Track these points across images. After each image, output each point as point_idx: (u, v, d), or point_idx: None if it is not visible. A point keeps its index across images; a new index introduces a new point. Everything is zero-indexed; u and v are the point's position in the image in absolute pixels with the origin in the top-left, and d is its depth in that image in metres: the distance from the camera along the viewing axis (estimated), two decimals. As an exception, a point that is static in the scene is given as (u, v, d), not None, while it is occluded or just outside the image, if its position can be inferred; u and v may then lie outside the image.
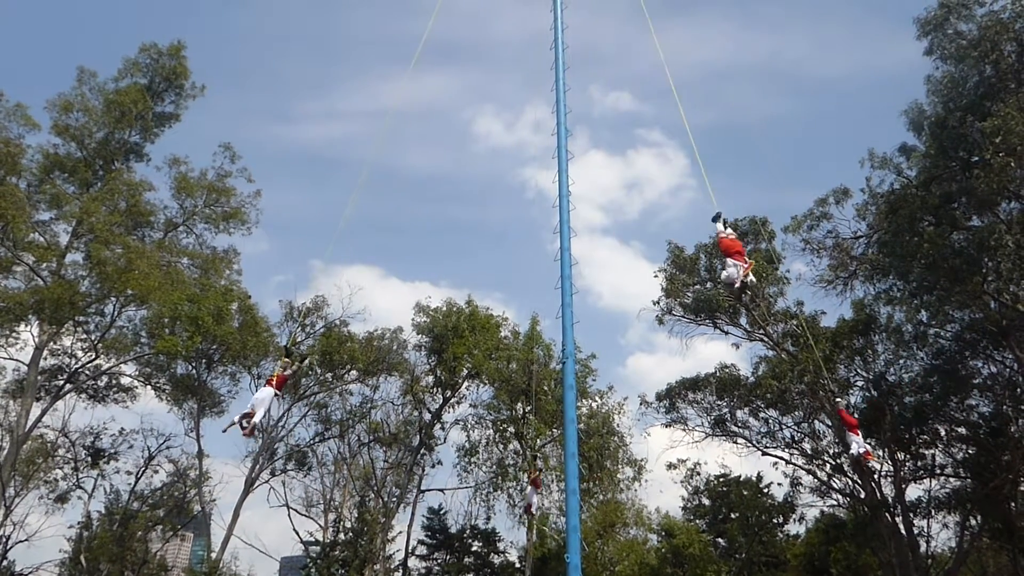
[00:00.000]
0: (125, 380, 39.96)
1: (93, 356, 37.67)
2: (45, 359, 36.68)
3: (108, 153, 38.34)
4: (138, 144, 39.99)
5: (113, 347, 37.62)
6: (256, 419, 13.73)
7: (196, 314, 35.18)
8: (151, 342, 37.16)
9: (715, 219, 15.31)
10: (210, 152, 41.52)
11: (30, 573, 37.43)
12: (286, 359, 15.68)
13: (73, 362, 37.97)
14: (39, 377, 36.30)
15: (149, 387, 39.77)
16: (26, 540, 37.70)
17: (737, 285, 13.77)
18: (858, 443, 16.87)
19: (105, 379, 39.37)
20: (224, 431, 14.34)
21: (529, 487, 25.21)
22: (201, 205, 39.90)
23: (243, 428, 13.60)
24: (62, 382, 37.49)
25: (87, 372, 38.48)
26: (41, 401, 36.80)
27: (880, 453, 35.45)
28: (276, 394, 14.30)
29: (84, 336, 37.70)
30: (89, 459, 39.23)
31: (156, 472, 40.70)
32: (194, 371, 39.23)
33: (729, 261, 14.09)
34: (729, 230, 15.26)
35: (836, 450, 36.62)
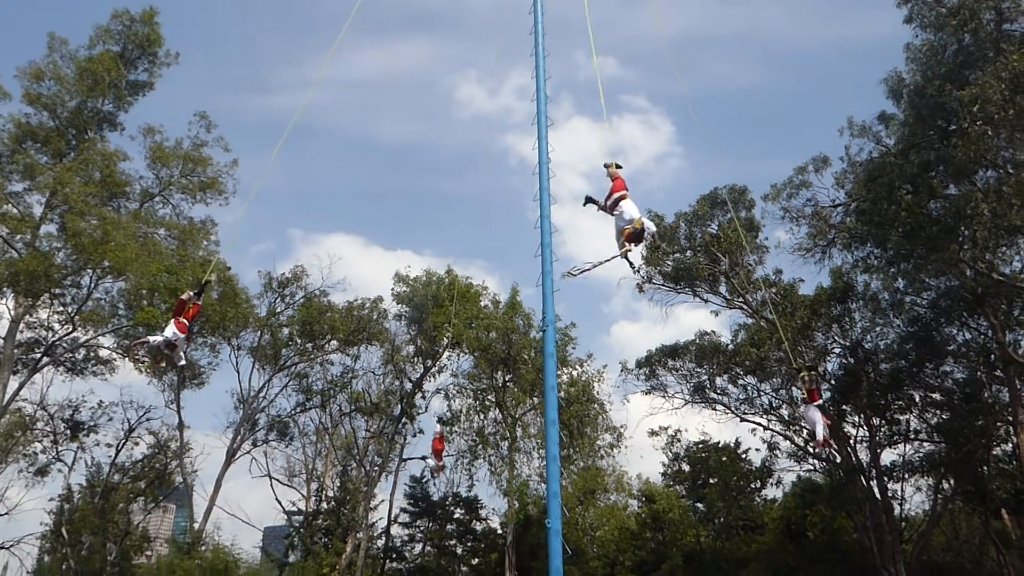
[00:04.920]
0: (103, 352, 39.71)
1: (70, 329, 37.33)
2: (21, 332, 36.30)
3: (81, 122, 37.63)
4: (111, 113, 39.24)
5: (90, 319, 37.32)
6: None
7: (175, 285, 34.92)
8: (129, 314, 36.90)
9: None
10: (184, 122, 40.91)
11: (11, 547, 37.35)
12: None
13: (50, 335, 37.62)
14: (16, 350, 35.95)
15: (127, 359, 39.52)
16: (6, 514, 37.68)
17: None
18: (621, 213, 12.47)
19: (83, 352, 39.07)
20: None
21: (810, 409, 21.78)
22: (177, 175, 39.40)
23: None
24: (39, 355, 37.17)
25: (64, 345, 38.15)
26: (18, 375, 36.47)
27: (856, 419, 36.01)
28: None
29: (61, 309, 37.31)
30: (68, 432, 39.10)
31: (136, 444, 40.76)
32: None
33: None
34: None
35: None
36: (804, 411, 18.92)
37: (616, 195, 11.99)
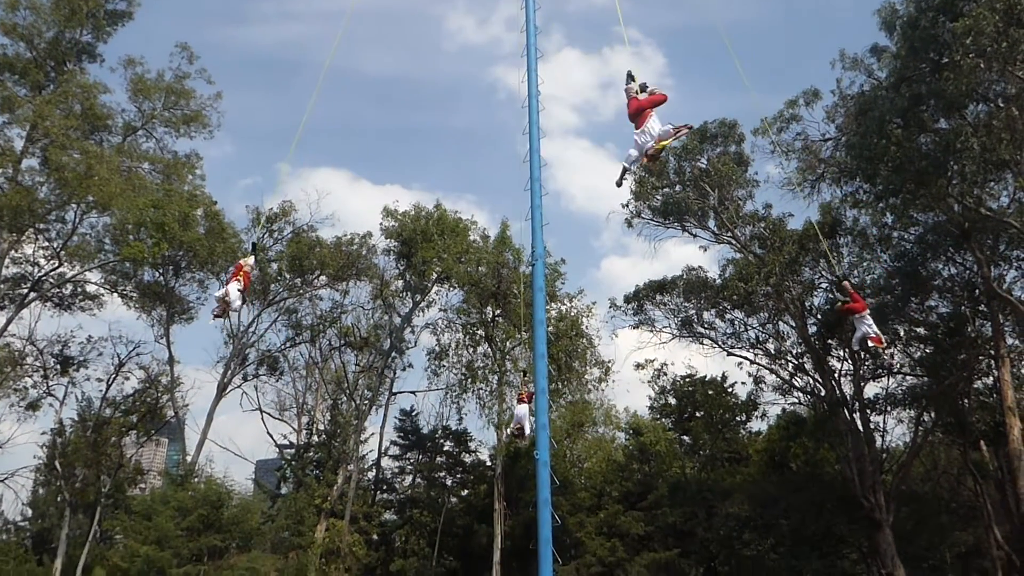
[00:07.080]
0: (91, 288, 39.51)
1: (56, 264, 37.10)
2: (7, 267, 36.04)
3: (59, 54, 36.69)
4: (90, 44, 38.20)
5: (76, 254, 37.07)
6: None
7: (161, 220, 34.68)
8: (116, 249, 36.69)
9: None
10: (165, 54, 39.99)
11: (5, 479, 37.78)
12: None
13: (36, 270, 37.36)
14: (2, 286, 35.78)
15: (116, 294, 39.43)
16: (-1, 447, 37.93)
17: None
18: (869, 325, 16.19)
19: (70, 287, 38.86)
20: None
21: (520, 406, 21.66)
22: (160, 108, 38.59)
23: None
24: (26, 290, 36.97)
25: (51, 280, 37.94)
26: (6, 310, 36.34)
27: (840, 353, 36.39)
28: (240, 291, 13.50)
29: (46, 244, 36.98)
30: (58, 367, 39.10)
31: (127, 379, 40.81)
32: (161, 278, 38.91)
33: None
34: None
35: (799, 350, 37.52)
36: (515, 408, 22.26)
37: (865, 312, 16.57)
